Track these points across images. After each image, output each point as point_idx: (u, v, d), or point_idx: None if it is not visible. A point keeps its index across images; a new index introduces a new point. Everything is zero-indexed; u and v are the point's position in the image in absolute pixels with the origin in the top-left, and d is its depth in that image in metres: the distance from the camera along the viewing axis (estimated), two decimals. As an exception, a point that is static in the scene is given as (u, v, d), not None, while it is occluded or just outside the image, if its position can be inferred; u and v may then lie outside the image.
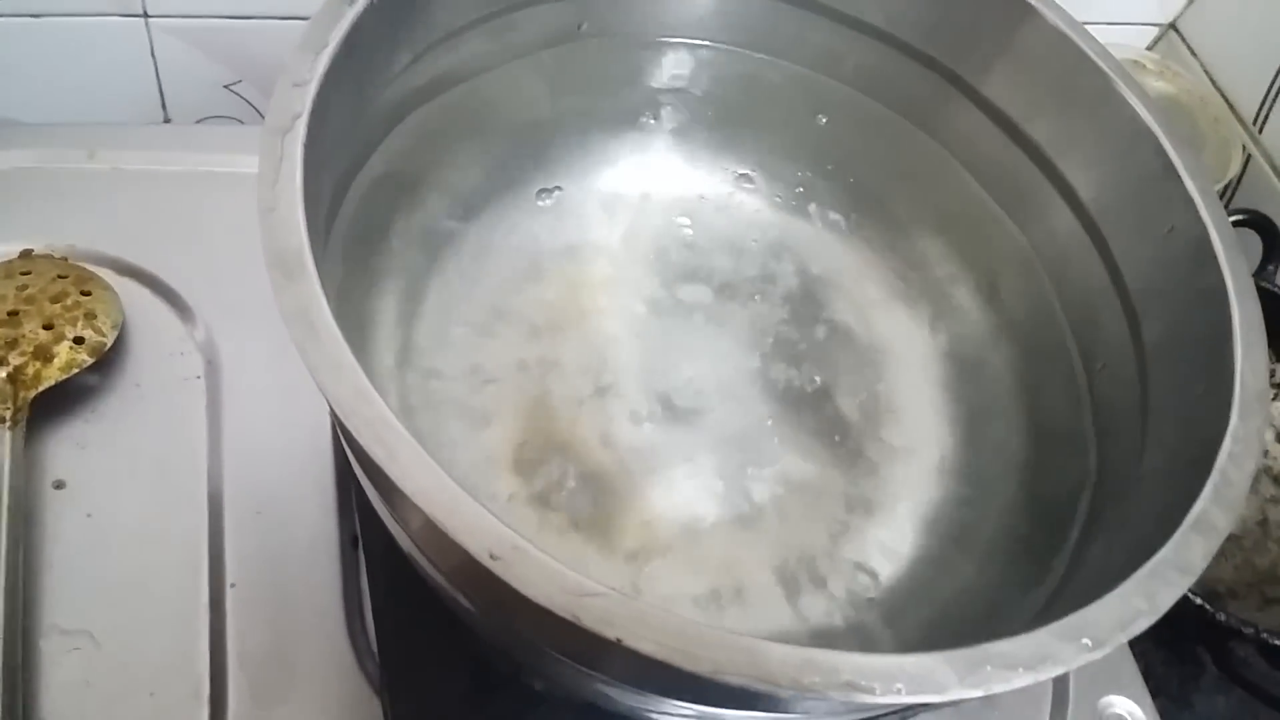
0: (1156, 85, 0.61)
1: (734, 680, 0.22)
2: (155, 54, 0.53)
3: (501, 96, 0.38)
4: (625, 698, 0.30)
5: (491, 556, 0.22)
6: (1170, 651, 0.46)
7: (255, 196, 0.25)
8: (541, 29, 0.38)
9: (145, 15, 0.51)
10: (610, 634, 0.22)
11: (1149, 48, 0.65)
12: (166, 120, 0.56)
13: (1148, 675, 0.41)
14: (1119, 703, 0.40)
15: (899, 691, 0.22)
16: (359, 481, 0.39)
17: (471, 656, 0.36)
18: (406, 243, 0.37)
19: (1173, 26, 0.64)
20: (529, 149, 0.41)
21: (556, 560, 0.22)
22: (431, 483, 0.22)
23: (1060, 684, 0.39)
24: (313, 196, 0.26)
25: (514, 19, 0.36)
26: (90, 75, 0.53)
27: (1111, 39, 0.62)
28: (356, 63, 0.29)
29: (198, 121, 0.56)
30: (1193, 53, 0.63)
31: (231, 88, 0.56)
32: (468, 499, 0.22)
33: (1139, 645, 0.43)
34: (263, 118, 0.54)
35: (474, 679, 0.36)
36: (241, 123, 0.57)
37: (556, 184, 0.42)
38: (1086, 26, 0.37)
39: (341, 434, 0.27)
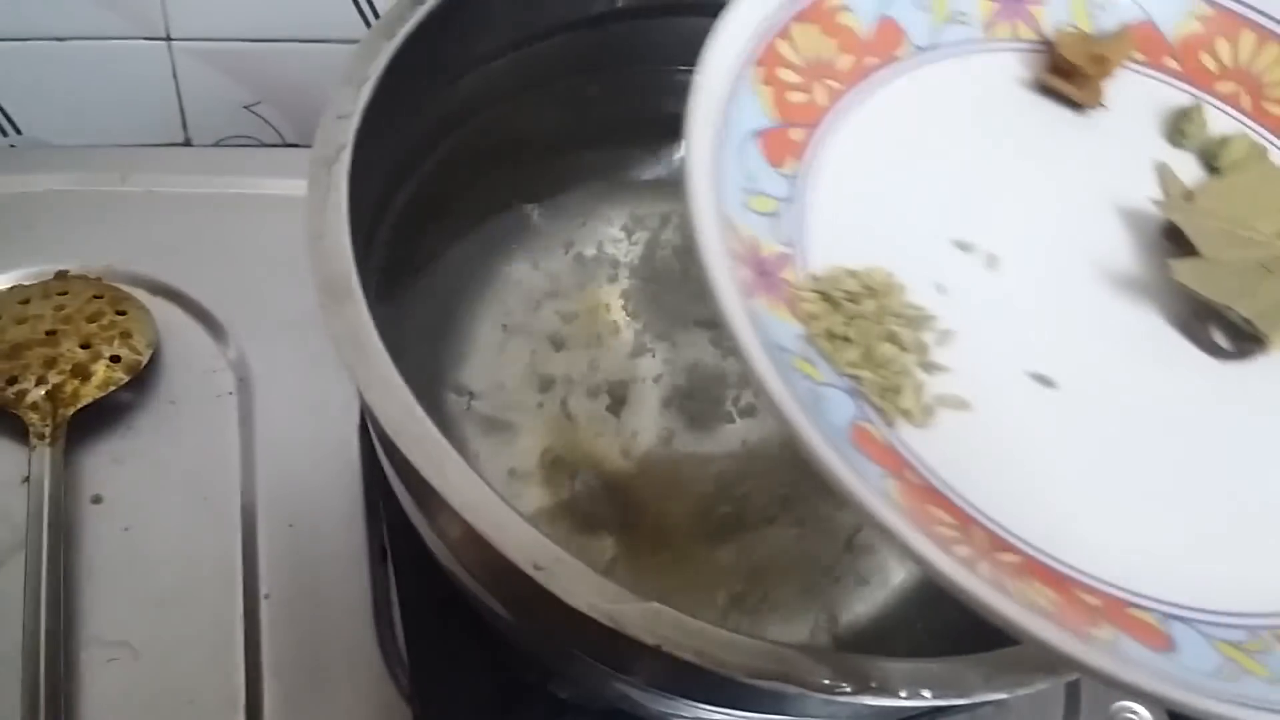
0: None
1: (769, 686, 0.23)
2: (177, 76, 0.54)
3: (526, 123, 0.40)
4: (651, 703, 0.31)
5: (536, 567, 0.23)
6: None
7: (304, 224, 0.26)
8: (566, 58, 0.39)
9: (168, 38, 0.52)
10: (651, 640, 0.23)
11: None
12: (187, 140, 0.57)
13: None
14: (1131, 707, 0.41)
15: (925, 696, 0.23)
16: (388, 494, 0.40)
17: (499, 665, 0.37)
18: (438, 264, 0.38)
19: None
20: (552, 172, 0.42)
21: (597, 572, 0.23)
22: (478, 497, 0.23)
23: (1073, 689, 0.40)
24: (356, 223, 0.27)
25: (540, 49, 0.38)
26: (113, 96, 0.54)
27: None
28: (394, 94, 0.30)
29: (218, 142, 0.57)
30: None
31: (251, 108, 0.57)
32: (512, 513, 0.23)
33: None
34: (282, 138, 0.56)
35: (501, 687, 0.37)
36: (262, 143, 0.58)
37: (579, 204, 0.43)
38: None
39: (384, 450, 0.28)
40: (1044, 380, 0.25)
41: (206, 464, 0.41)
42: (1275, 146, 0.32)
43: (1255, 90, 0.33)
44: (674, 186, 0.45)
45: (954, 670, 0.23)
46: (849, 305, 0.24)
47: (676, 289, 0.43)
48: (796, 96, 0.27)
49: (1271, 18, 0.33)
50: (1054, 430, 0.24)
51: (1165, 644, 0.22)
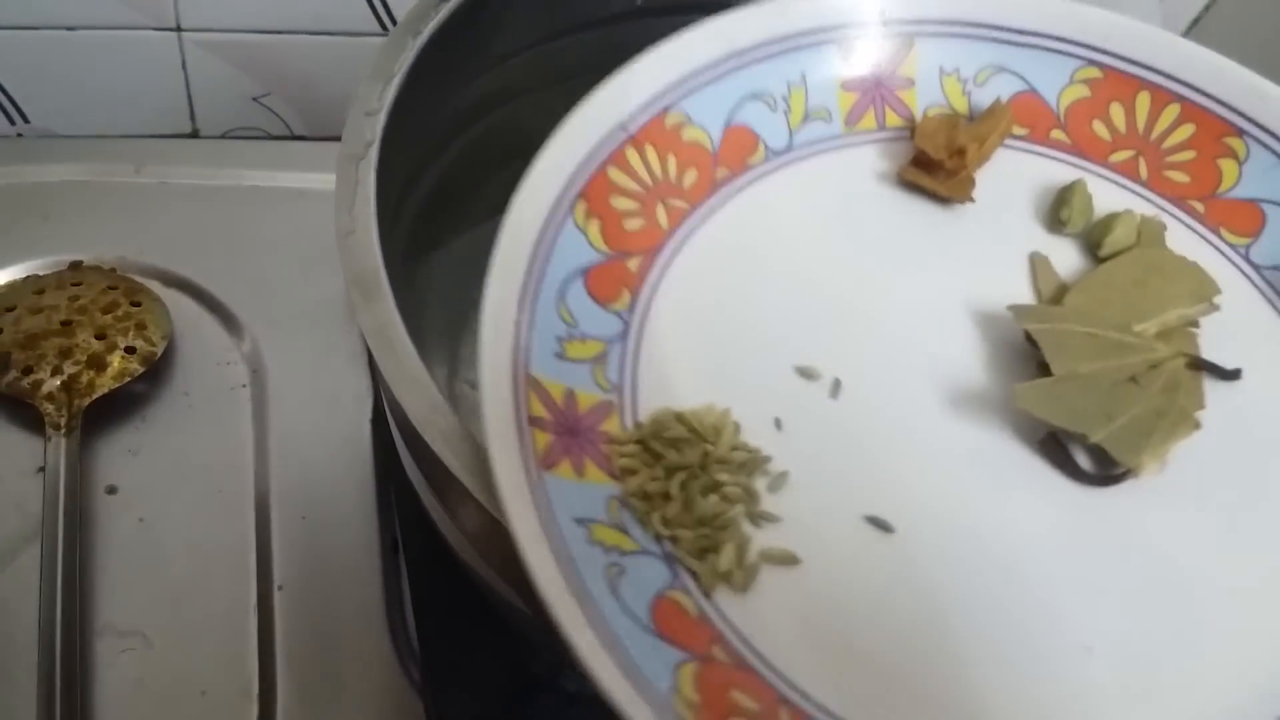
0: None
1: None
2: (186, 66, 0.55)
3: (545, 118, 0.40)
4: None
5: (560, 560, 0.23)
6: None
7: (334, 219, 0.26)
8: (584, 55, 0.39)
9: (179, 29, 0.52)
10: (672, 635, 0.23)
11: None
12: (195, 131, 0.57)
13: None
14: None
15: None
16: (400, 487, 0.40)
17: (510, 657, 0.38)
18: (451, 258, 0.39)
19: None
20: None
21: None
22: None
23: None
24: (383, 216, 0.27)
25: (559, 46, 0.38)
26: (121, 86, 0.54)
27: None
28: (418, 91, 0.30)
29: (226, 133, 0.57)
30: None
31: (260, 100, 0.57)
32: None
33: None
34: (290, 130, 0.57)
35: (511, 678, 0.38)
36: (269, 134, 0.58)
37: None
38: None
39: (406, 443, 0.28)
40: (880, 525, 0.23)
41: (220, 456, 0.41)
42: (1174, 218, 0.29)
43: (1154, 156, 0.30)
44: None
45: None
46: (671, 455, 0.22)
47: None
48: (633, 223, 0.25)
49: (1169, 76, 0.30)
50: (887, 584, 0.22)
51: None
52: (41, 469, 0.38)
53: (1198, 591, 0.24)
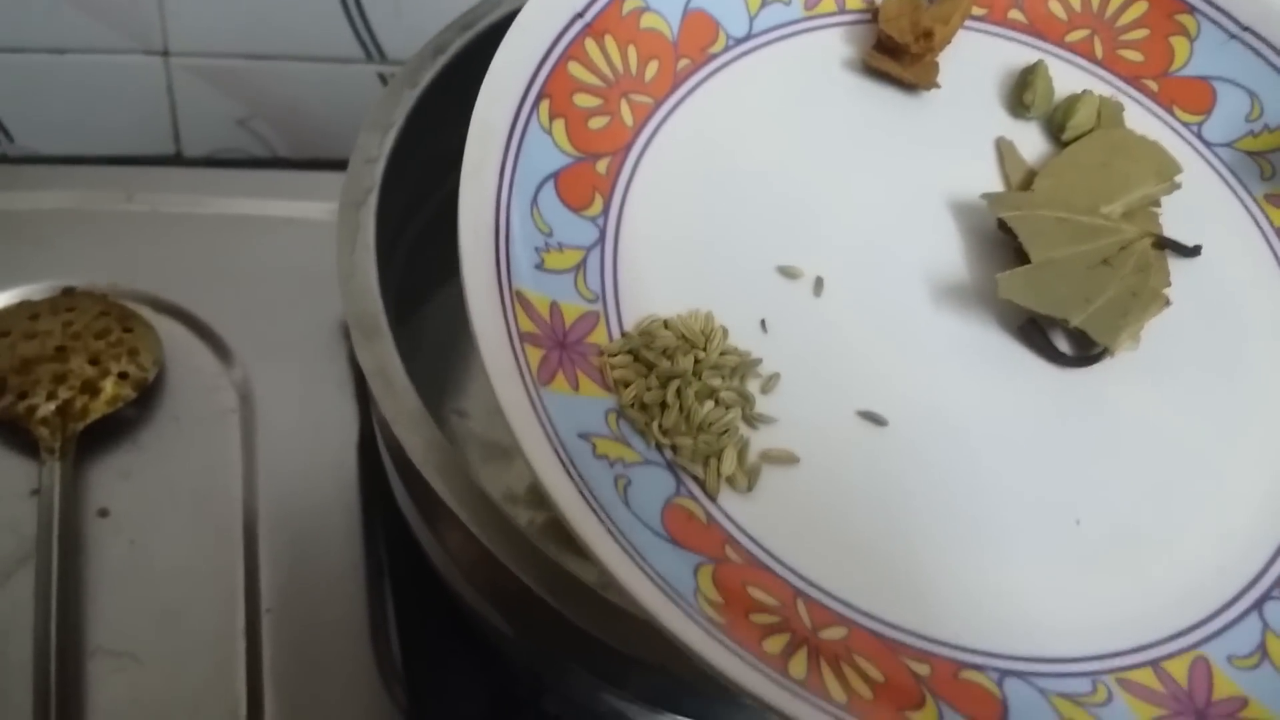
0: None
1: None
2: (173, 90, 0.56)
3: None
4: (639, 716, 0.33)
5: (549, 591, 0.25)
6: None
7: (335, 263, 0.28)
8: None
9: (166, 53, 0.53)
10: (653, 660, 0.24)
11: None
12: (179, 153, 0.58)
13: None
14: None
15: None
16: (387, 512, 0.41)
17: (493, 680, 0.39)
18: (442, 291, 0.40)
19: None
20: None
21: (607, 595, 0.25)
22: (496, 525, 0.25)
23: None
24: (381, 261, 0.28)
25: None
26: (107, 108, 0.55)
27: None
28: (415, 138, 0.32)
29: (209, 154, 0.58)
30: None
31: (244, 123, 0.58)
32: (528, 540, 0.25)
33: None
34: (274, 153, 0.58)
35: (494, 701, 0.39)
36: (253, 156, 0.59)
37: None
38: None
39: (402, 476, 0.30)
40: (874, 419, 0.23)
41: (210, 480, 0.42)
42: (1130, 98, 0.29)
43: (1108, 35, 0.30)
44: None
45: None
46: (664, 364, 0.22)
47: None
48: (598, 122, 0.25)
49: None
50: (885, 475, 0.23)
51: (996, 712, 0.20)
52: (36, 492, 0.39)
53: (1175, 459, 0.25)
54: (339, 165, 0.32)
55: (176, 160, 0.57)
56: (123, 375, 0.42)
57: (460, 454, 0.37)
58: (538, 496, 0.40)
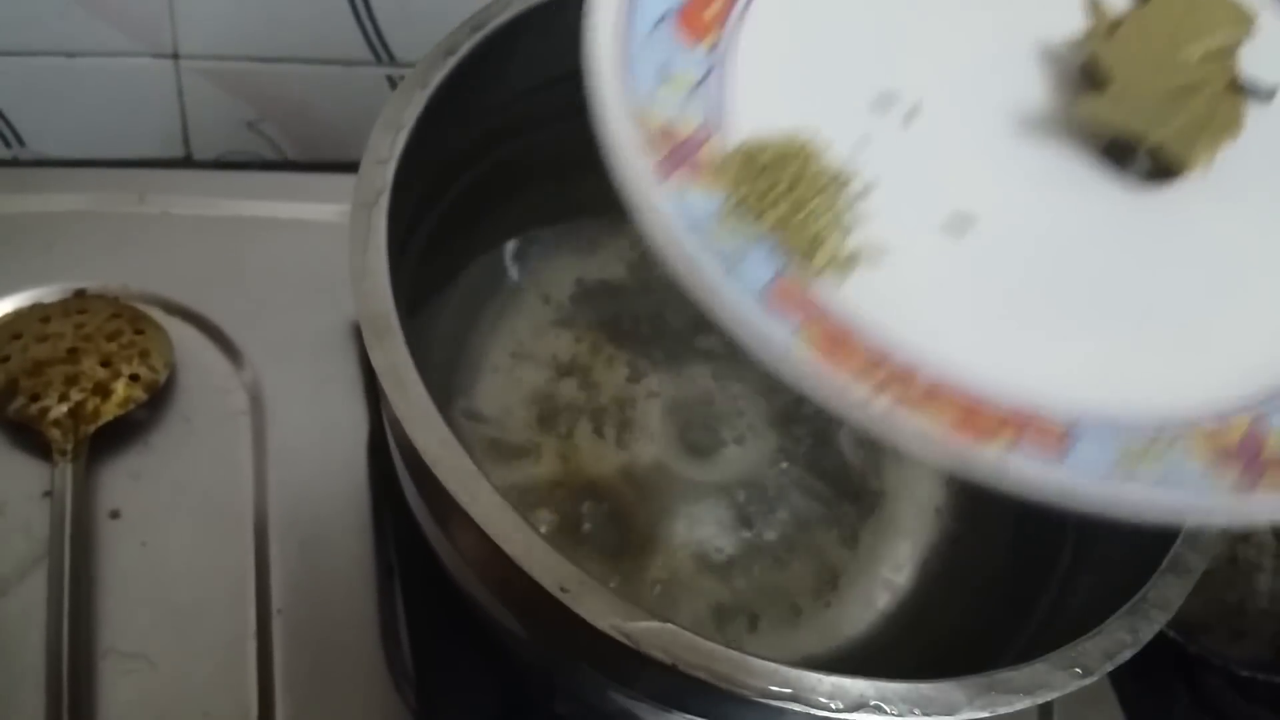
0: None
1: (775, 704, 0.25)
2: (183, 93, 0.56)
3: (539, 158, 0.42)
4: (650, 716, 0.33)
5: (562, 590, 0.25)
6: (1147, 684, 0.49)
7: (347, 264, 0.28)
8: (578, 99, 0.41)
9: (176, 56, 0.54)
10: (667, 660, 0.25)
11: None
12: (188, 155, 0.58)
13: (1125, 705, 0.44)
14: (1099, 728, 0.43)
15: (916, 713, 0.25)
16: (396, 513, 0.41)
17: (502, 681, 0.39)
18: (451, 292, 0.40)
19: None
20: (562, 205, 0.44)
21: (618, 595, 0.25)
22: (509, 524, 0.25)
23: (1045, 711, 0.43)
24: (393, 260, 0.28)
25: (555, 90, 0.40)
26: (117, 112, 0.55)
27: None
28: (425, 138, 0.32)
29: (219, 157, 0.58)
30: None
31: (254, 126, 0.58)
32: (540, 540, 0.25)
33: (1117, 676, 0.46)
34: (283, 155, 0.58)
35: (505, 702, 0.39)
36: (262, 159, 0.59)
37: (588, 236, 0.45)
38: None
39: (413, 476, 0.30)
40: (962, 219, 0.26)
41: (221, 481, 0.42)
42: None
43: None
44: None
45: (943, 690, 0.25)
46: (770, 171, 0.25)
47: (680, 319, 0.45)
48: None
49: None
50: (970, 267, 0.26)
51: (1062, 450, 0.23)
52: (48, 493, 0.39)
53: (1241, 269, 0.27)
54: (348, 168, 0.32)
55: (186, 163, 0.57)
56: (134, 377, 0.42)
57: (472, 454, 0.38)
58: (552, 496, 0.40)
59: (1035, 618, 0.36)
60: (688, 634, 0.25)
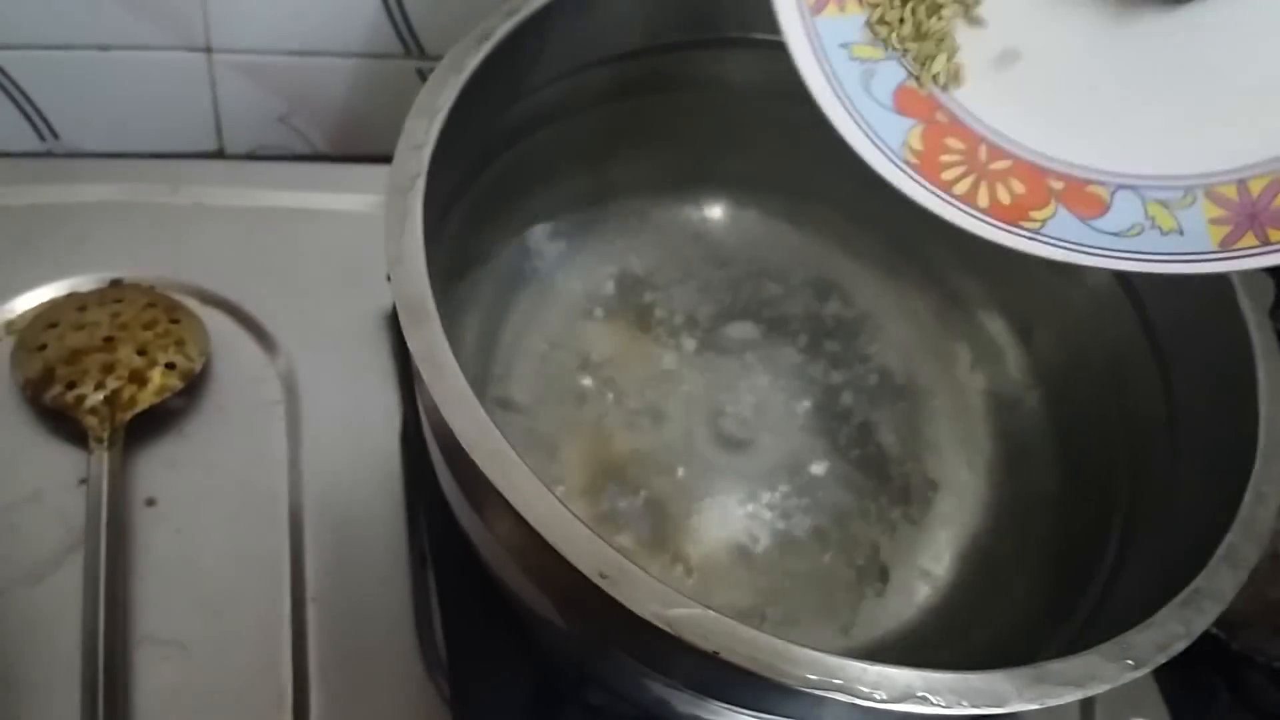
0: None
1: (818, 693, 0.24)
2: (215, 86, 0.56)
3: (573, 144, 0.41)
4: (686, 706, 0.32)
5: (601, 575, 0.24)
6: (1187, 679, 0.48)
7: (384, 248, 0.28)
8: (611, 84, 0.41)
9: (209, 50, 0.54)
10: (708, 647, 0.24)
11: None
12: (221, 149, 0.59)
13: (1169, 701, 0.43)
14: (1142, 724, 0.42)
15: (963, 704, 0.24)
16: (430, 501, 0.41)
17: (536, 670, 0.39)
18: (484, 280, 0.40)
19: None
20: (595, 192, 0.44)
21: (659, 580, 0.25)
22: (547, 509, 0.25)
23: (1087, 706, 0.42)
24: (429, 243, 0.28)
25: (587, 76, 0.39)
26: (151, 105, 0.55)
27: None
28: (460, 123, 0.31)
29: (251, 151, 0.59)
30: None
31: (285, 119, 0.58)
32: (579, 524, 0.25)
33: (1159, 671, 0.45)
34: (314, 148, 0.58)
35: (538, 691, 0.39)
36: (294, 153, 0.59)
37: (621, 223, 0.45)
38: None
39: (448, 462, 0.29)
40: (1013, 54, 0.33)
41: (255, 470, 0.42)
42: None
43: None
44: (708, 208, 0.47)
45: (991, 681, 0.25)
46: None
47: (715, 306, 0.44)
48: None
49: None
50: (1057, 72, 0.32)
51: (1099, 211, 0.31)
52: (84, 481, 0.40)
53: (1236, 79, 0.32)
54: (378, 160, 0.32)
55: (219, 156, 0.58)
56: (170, 365, 0.42)
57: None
58: (586, 485, 0.40)
59: (1080, 612, 0.35)
60: (730, 621, 0.24)
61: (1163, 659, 0.26)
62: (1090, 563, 0.36)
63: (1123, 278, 0.39)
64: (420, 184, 0.29)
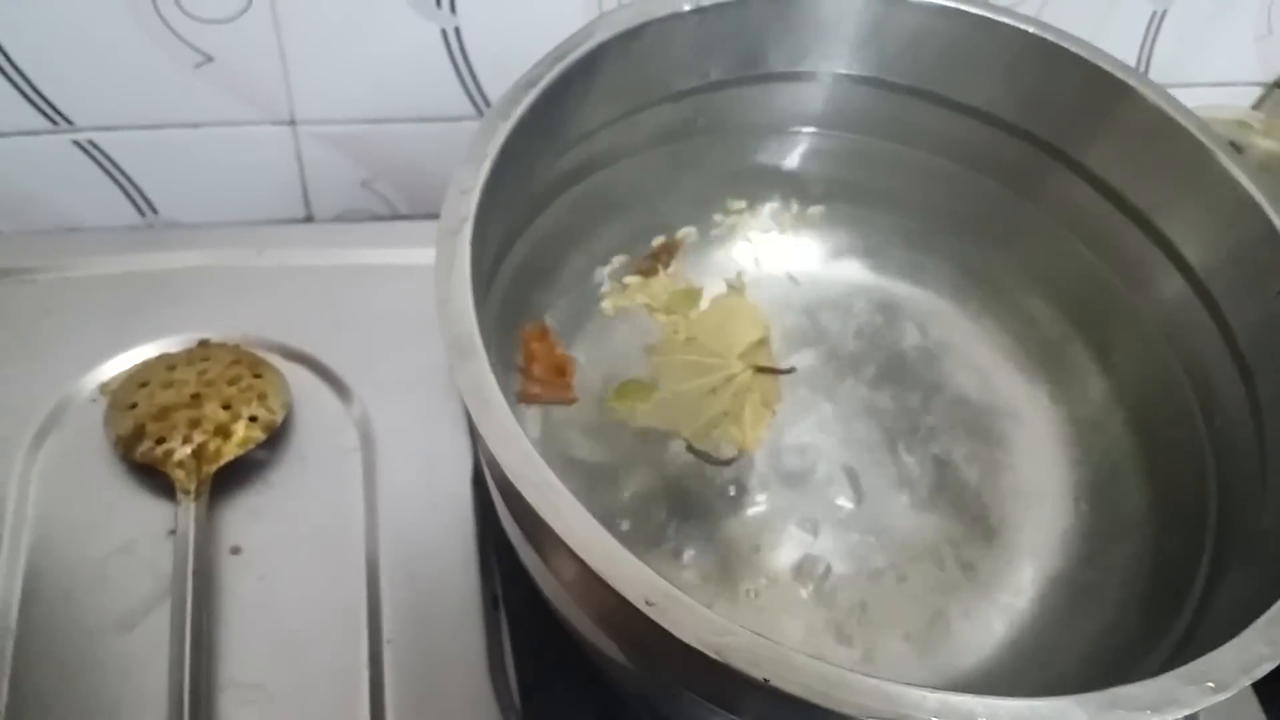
0: (1264, 144, 0.61)
1: None
2: (301, 157, 0.58)
3: (625, 188, 0.42)
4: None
5: (647, 603, 0.24)
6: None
7: (433, 289, 0.28)
8: (661, 126, 0.41)
9: (293, 122, 0.56)
10: (758, 675, 0.24)
11: (1254, 107, 0.65)
12: (309, 216, 0.61)
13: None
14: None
15: (1030, 732, 0.23)
16: (500, 545, 0.42)
17: (606, 711, 0.38)
18: (542, 311, 0.41)
19: (1277, 85, 0.64)
20: (648, 232, 0.44)
21: (706, 608, 0.24)
22: (593, 537, 0.25)
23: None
24: (477, 285, 0.29)
25: (638, 118, 0.40)
26: (241, 177, 0.58)
27: (1215, 99, 0.62)
28: (509, 168, 0.32)
29: (337, 217, 0.61)
30: (1300, 109, 0.63)
31: (368, 185, 0.60)
32: (625, 552, 0.25)
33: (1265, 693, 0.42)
34: (395, 211, 0.60)
35: (610, 731, 0.38)
36: (378, 216, 0.61)
37: (674, 260, 0.45)
38: (1189, 89, 0.39)
39: (502, 494, 0.30)
40: None
41: (334, 516, 0.43)
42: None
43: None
44: (768, 238, 0.47)
45: (1059, 708, 0.24)
46: None
47: (779, 337, 0.44)
48: None
49: None
50: None
51: None
52: (172, 531, 0.41)
53: None
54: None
55: (308, 223, 0.60)
56: (253, 419, 0.44)
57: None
58: (652, 525, 0.40)
59: (1169, 641, 0.34)
60: (781, 647, 0.24)
61: (1246, 681, 0.25)
62: (1179, 589, 0.35)
63: (1199, 285, 0.38)
64: (468, 227, 0.30)
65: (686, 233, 0.44)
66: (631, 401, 0.38)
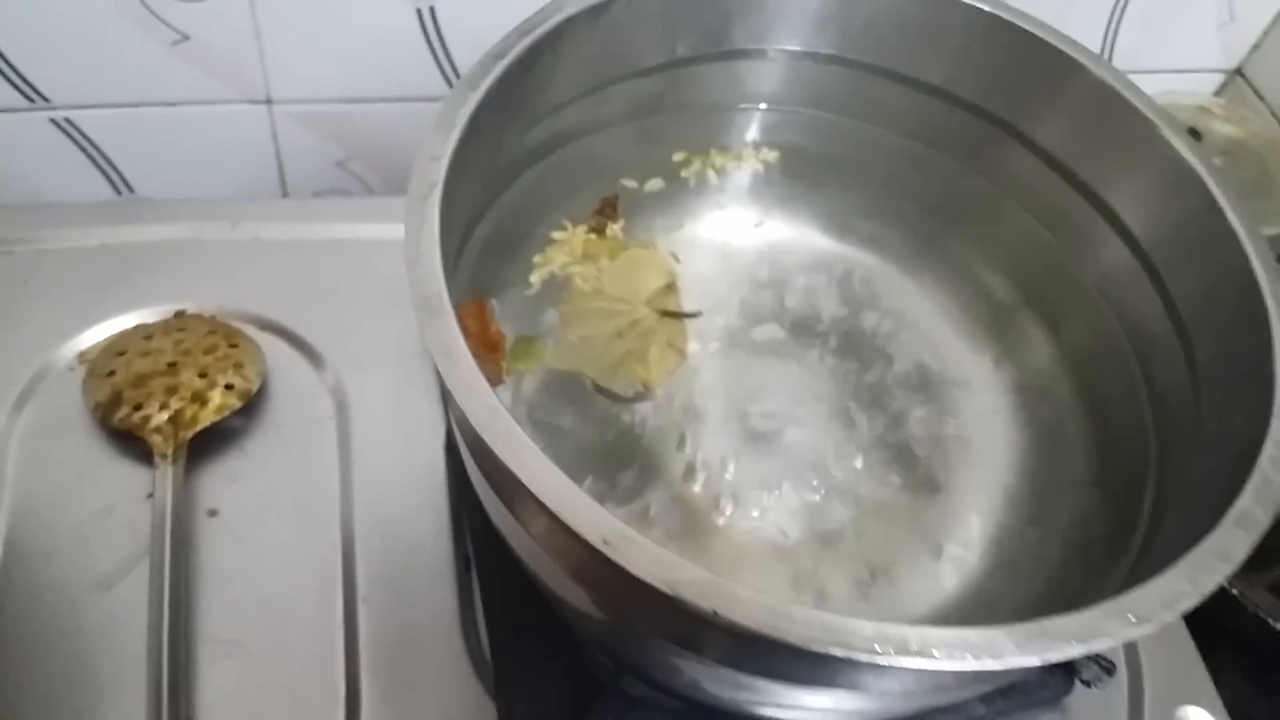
0: (1224, 130, 0.62)
1: (817, 650, 0.25)
2: (277, 136, 0.59)
3: (593, 162, 0.43)
4: (717, 689, 0.33)
5: (605, 542, 0.26)
6: (1247, 669, 0.47)
7: (403, 251, 0.30)
8: (629, 101, 0.42)
9: (269, 102, 0.57)
10: (706, 606, 0.25)
11: (1216, 94, 0.67)
12: (285, 194, 0.62)
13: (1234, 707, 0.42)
14: (1194, 714, 0.41)
15: (964, 658, 0.25)
16: (472, 508, 0.43)
17: (575, 663, 0.40)
18: (511, 295, 0.42)
19: (1238, 72, 0.66)
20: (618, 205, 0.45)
21: (659, 546, 0.26)
22: (553, 482, 0.26)
23: (1135, 693, 0.41)
24: (446, 250, 0.30)
25: (606, 93, 0.41)
26: (218, 156, 0.59)
27: (1177, 86, 0.64)
28: (478, 137, 0.34)
29: (312, 196, 0.62)
30: (1260, 97, 0.64)
31: (343, 164, 0.61)
32: (584, 496, 0.26)
33: (1225, 677, 0.44)
34: (371, 191, 0.61)
35: (578, 684, 0.40)
36: (354, 196, 0.62)
37: (642, 234, 0.46)
38: (1152, 75, 0.40)
39: (469, 447, 0.31)
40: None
41: (309, 481, 0.45)
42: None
43: None
44: (731, 213, 0.48)
45: (990, 636, 0.25)
46: None
47: (741, 310, 0.46)
48: None
49: None
50: None
51: None
52: (150, 495, 0.42)
53: None
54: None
55: (283, 199, 0.61)
56: (229, 386, 0.45)
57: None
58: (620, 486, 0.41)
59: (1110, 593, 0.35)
60: (729, 583, 0.25)
61: (1169, 616, 0.26)
62: (1119, 544, 0.36)
63: (1142, 255, 0.39)
64: (437, 193, 0.31)
65: (627, 184, 0.45)
66: (527, 360, 0.40)
